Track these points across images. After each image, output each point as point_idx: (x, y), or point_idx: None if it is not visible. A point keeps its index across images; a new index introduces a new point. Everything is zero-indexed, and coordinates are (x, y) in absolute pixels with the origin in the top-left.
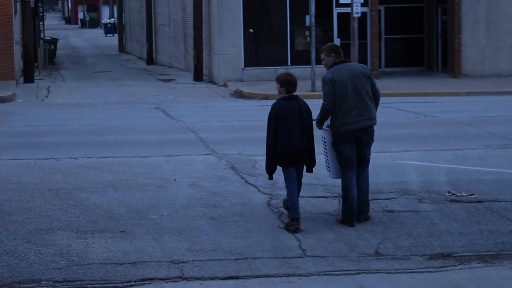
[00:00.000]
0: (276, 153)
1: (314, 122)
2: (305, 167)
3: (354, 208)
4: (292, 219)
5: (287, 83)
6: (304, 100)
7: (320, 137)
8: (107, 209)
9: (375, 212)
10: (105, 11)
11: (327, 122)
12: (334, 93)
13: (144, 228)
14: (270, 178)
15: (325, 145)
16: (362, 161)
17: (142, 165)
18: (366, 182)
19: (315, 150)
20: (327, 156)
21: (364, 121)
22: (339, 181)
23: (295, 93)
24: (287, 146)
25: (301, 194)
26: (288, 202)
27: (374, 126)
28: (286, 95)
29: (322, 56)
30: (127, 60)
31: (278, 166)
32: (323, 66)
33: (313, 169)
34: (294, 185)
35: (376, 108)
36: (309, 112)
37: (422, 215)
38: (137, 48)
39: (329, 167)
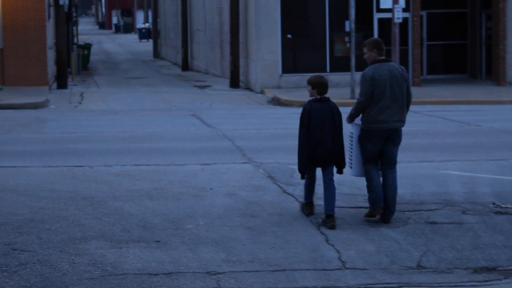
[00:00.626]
0: (309, 152)
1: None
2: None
3: (380, 192)
4: (307, 203)
5: (319, 85)
6: (343, 107)
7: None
8: (142, 218)
9: (417, 224)
10: (139, 16)
11: (358, 118)
12: (373, 91)
13: (179, 238)
14: (303, 177)
15: (352, 141)
16: (390, 161)
17: (177, 174)
18: (395, 183)
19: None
20: (351, 153)
21: (395, 122)
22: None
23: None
24: (319, 146)
25: (340, 204)
26: (304, 190)
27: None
28: (318, 97)
29: (365, 50)
30: (162, 66)
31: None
32: (362, 71)
33: (352, 179)
34: (310, 182)
35: (407, 111)
36: (339, 114)
37: (465, 227)
38: (172, 53)
39: (351, 164)
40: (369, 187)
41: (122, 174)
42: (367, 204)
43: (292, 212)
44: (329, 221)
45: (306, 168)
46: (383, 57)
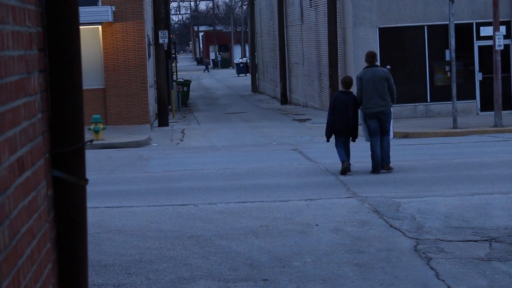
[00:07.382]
0: (331, 125)
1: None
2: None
3: (379, 161)
4: (342, 161)
5: (345, 83)
6: (445, 137)
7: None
8: (249, 256)
9: None
10: (237, 50)
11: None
12: (361, 87)
13: (287, 276)
14: (328, 141)
15: (360, 120)
16: (383, 132)
17: (282, 210)
18: (387, 144)
19: None
20: (363, 128)
21: (379, 107)
22: (489, 223)
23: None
24: (338, 122)
25: (449, 238)
26: (338, 154)
27: (391, 109)
28: (343, 89)
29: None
30: (260, 100)
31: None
32: (463, 101)
33: (461, 212)
34: (340, 147)
35: (393, 100)
36: (355, 102)
37: None
38: (271, 87)
39: (364, 135)
40: (372, 156)
41: (226, 212)
42: (476, 238)
43: (400, 247)
44: (346, 171)
45: (329, 135)
46: (373, 64)
